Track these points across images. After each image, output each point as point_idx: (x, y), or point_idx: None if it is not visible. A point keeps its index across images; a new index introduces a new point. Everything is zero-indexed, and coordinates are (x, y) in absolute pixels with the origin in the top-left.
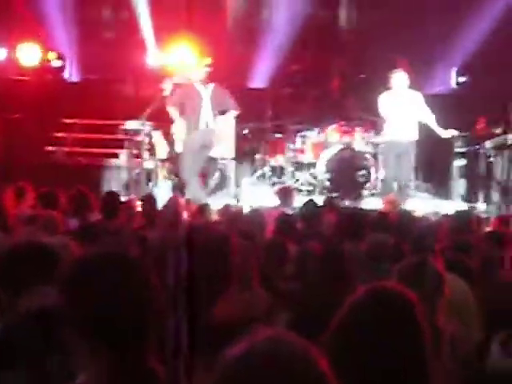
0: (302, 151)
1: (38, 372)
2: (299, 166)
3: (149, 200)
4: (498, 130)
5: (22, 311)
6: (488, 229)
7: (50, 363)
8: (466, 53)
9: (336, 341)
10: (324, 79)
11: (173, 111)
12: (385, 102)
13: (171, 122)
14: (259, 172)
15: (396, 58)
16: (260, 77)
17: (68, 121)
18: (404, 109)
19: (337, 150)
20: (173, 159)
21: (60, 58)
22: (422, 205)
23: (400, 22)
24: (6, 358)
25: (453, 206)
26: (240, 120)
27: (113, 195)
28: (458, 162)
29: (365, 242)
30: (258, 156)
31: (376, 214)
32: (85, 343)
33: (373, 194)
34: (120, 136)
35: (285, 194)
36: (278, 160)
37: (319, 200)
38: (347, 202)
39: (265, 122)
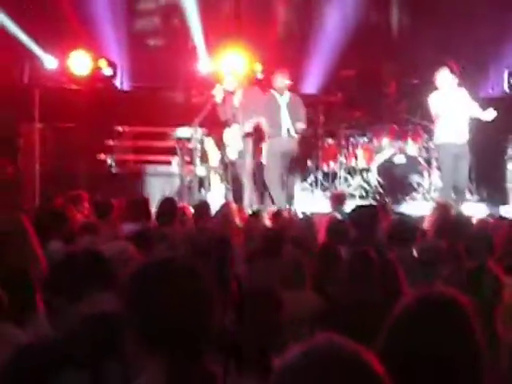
0: (354, 156)
1: (97, 377)
2: (352, 171)
3: (201, 207)
4: None
5: (80, 317)
6: None
7: (108, 368)
8: None
9: (386, 348)
10: (376, 84)
11: (240, 115)
12: (435, 102)
13: (223, 128)
14: (311, 178)
15: (447, 60)
16: (312, 82)
17: (120, 129)
18: (453, 108)
19: (389, 155)
20: (225, 166)
21: (111, 66)
22: (477, 208)
23: (452, 25)
24: (65, 363)
25: (508, 210)
26: None
27: (170, 201)
28: None
29: (417, 246)
30: (310, 162)
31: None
32: (145, 348)
33: (426, 199)
34: (172, 143)
35: (337, 199)
36: (331, 165)
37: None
38: (400, 207)
39: (317, 127)
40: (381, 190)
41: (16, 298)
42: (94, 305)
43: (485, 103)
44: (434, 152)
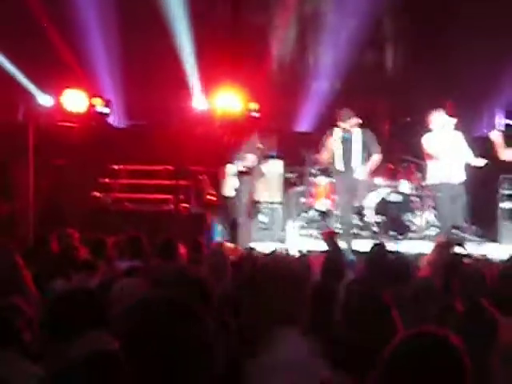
0: None
1: None
2: None
3: (195, 245)
4: None
5: (73, 357)
6: None
7: None
8: None
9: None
10: (370, 123)
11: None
12: (429, 143)
13: (221, 166)
14: (305, 215)
15: (442, 100)
16: (306, 121)
17: (115, 166)
18: (449, 149)
19: (385, 193)
20: (221, 204)
21: (106, 104)
22: (471, 247)
23: (446, 66)
24: None
25: (501, 249)
26: (286, 164)
27: (170, 241)
28: (506, 205)
29: (410, 285)
30: (303, 199)
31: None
32: None
33: (421, 237)
34: (167, 181)
35: (329, 237)
36: (324, 203)
37: (366, 243)
38: (395, 245)
39: (310, 165)
40: (376, 229)
41: None
42: (85, 344)
43: (479, 142)
44: (427, 190)
